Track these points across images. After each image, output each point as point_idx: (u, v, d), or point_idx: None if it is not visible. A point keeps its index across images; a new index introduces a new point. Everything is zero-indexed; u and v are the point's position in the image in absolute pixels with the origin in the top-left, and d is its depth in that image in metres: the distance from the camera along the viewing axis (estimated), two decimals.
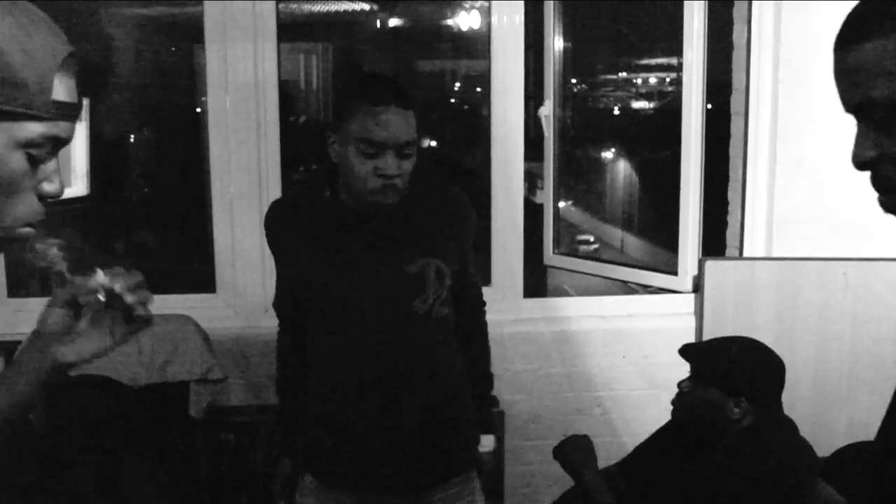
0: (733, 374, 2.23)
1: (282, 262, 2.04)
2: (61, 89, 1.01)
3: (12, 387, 1.09)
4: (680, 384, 2.31)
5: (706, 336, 3.18)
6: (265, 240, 2.07)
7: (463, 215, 2.03)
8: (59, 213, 3.54)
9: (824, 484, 2.16)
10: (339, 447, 1.97)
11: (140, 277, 1.10)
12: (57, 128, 1.02)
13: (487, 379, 2.17)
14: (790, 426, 2.28)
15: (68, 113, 1.03)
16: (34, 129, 0.99)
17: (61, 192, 1.06)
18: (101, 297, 1.06)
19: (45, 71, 0.99)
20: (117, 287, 1.08)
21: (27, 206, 1.03)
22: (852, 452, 2.54)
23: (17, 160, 1.00)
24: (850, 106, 0.97)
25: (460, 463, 2.06)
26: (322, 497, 2.03)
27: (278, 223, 2.01)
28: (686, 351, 2.33)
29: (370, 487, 1.98)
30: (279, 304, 2.12)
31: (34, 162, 1.02)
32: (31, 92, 0.98)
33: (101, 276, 1.07)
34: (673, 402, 2.32)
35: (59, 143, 1.04)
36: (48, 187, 1.04)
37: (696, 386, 2.27)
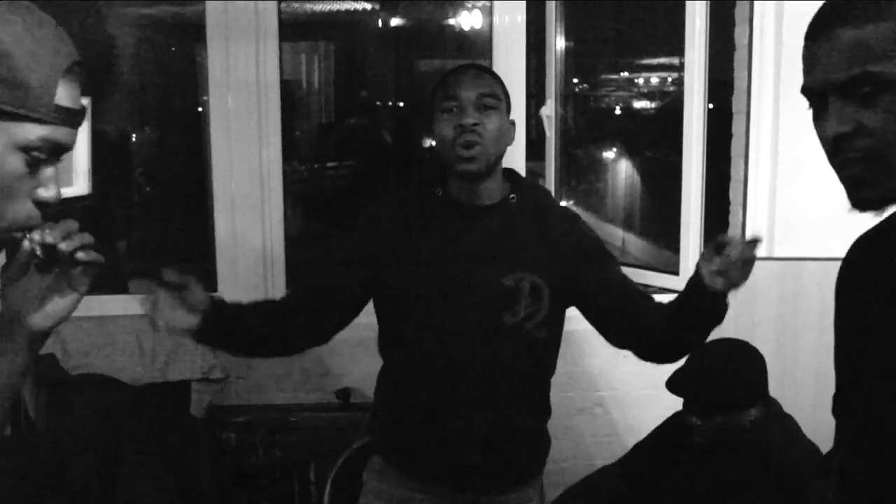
0: (733, 391, 2.21)
1: (369, 260, 1.95)
2: (65, 95, 1.01)
3: None
4: (689, 422, 2.29)
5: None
6: (354, 235, 1.99)
7: (571, 232, 1.97)
8: (60, 211, 3.54)
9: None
10: (412, 437, 1.97)
11: (73, 225, 1.06)
12: (58, 132, 1.01)
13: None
14: (793, 425, 2.28)
15: (70, 119, 1.02)
16: (35, 131, 0.99)
17: (58, 198, 1.05)
18: (39, 253, 1.04)
19: (49, 74, 0.98)
20: (49, 239, 1.05)
21: (23, 211, 1.02)
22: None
23: (15, 162, 0.99)
24: (835, 82, 1.03)
25: (527, 473, 2.04)
26: (386, 478, 2.04)
27: (378, 223, 1.96)
28: (673, 388, 2.31)
29: (432, 478, 1.98)
30: (312, 291, 2.01)
31: (32, 166, 1.01)
32: (34, 94, 0.97)
33: (33, 234, 1.05)
34: (695, 438, 2.29)
35: (59, 149, 1.03)
36: (44, 193, 1.04)
37: (703, 416, 2.26)
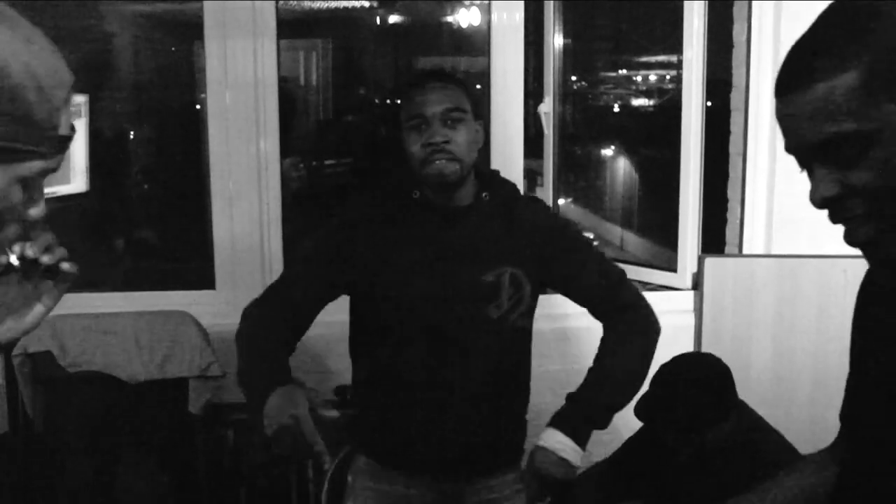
0: (702, 409, 2.19)
1: (337, 269, 1.97)
2: (65, 123, 0.99)
3: None
4: (664, 444, 2.29)
5: (705, 333, 3.18)
6: (323, 242, 2.01)
7: (543, 221, 2.03)
8: (58, 209, 3.54)
9: None
10: (397, 432, 2.00)
11: (52, 238, 1.05)
12: (55, 161, 1.00)
13: (596, 389, 2.02)
14: (765, 428, 2.28)
15: (66, 146, 1.01)
16: (37, 166, 0.97)
17: (43, 213, 1.03)
18: (15, 262, 1.02)
19: (55, 108, 0.96)
20: (29, 252, 1.03)
21: (12, 232, 1.01)
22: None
23: (15, 193, 0.97)
24: (809, 146, 0.95)
25: (508, 457, 2.09)
26: (372, 477, 2.06)
27: (355, 227, 1.98)
28: (642, 415, 2.29)
29: (423, 471, 2.01)
30: (289, 298, 1.99)
31: (27, 191, 0.99)
32: (41, 129, 0.95)
33: (13, 247, 1.03)
34: (672, 458, 2.29)
35: (50, 172, 1.02)
36: (34, 212, 1.02)
37: (677, 437, 2.25)
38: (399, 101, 1.95)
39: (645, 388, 2.28)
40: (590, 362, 3.22)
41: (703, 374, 2.25)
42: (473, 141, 1.92)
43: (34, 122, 0.94)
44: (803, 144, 0.96)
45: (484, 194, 1.97)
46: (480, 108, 2.02)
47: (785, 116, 0.97)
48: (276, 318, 1.95)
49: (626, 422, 3.20)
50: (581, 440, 1.90)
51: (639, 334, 2.05)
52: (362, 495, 2.07)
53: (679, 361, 2.30)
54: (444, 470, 2.00)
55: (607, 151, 4.28)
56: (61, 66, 0.99)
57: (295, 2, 3.95)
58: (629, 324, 2.04)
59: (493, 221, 1.96)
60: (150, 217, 3.99)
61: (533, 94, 4.05)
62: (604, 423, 1.99)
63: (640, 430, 2.51)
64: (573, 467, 1.88)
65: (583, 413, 1.94)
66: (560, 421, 1.91)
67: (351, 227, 1.99)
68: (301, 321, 1.98)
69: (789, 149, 0.99)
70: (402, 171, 1.99)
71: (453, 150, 1.86)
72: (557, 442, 1.87)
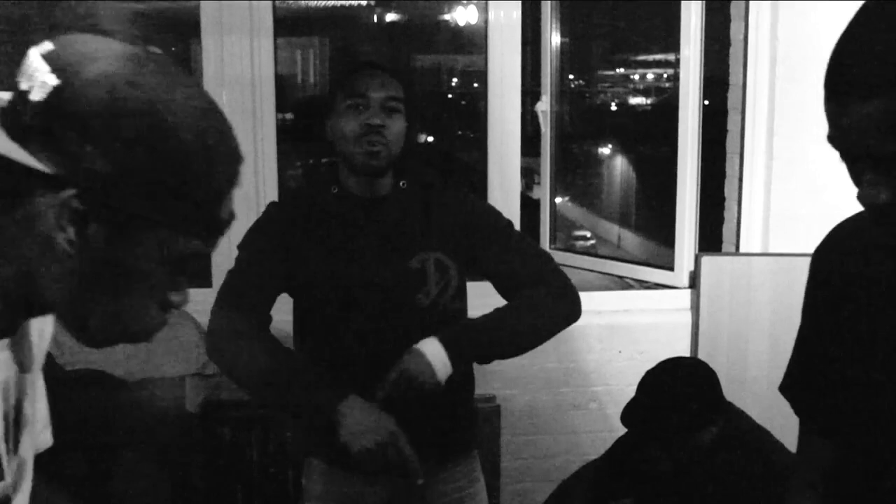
0: (688, 414, 2.19)
1: (279, 261, 1.99)
2: (226, 207, 0.91)
3: None
4: (649, 452, 2.29)
5: (702, 331, 3.18)
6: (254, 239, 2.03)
7: (463, 205, 2.05)
8: None
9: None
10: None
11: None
12: (210, 246, 0.91)
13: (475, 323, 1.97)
14: (756, 430, 2.28)
15: (223, 231, 0.92)
16: (188, 247, 0.89)
17: (186, 301, 0.95)
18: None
19: (220, 186, 0.88)
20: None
21: (156, 317, 0.93)
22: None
23: (159, 272, 0.89)
24: (874, 151, 0.94)
25: (460, 447, 2.11)
26: (329, 479, 2.05)
27: (282, 223, 2.01)
28: (628, 423, 2.29)
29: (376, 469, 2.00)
30: (248, 295, 1.99)
31: (173, 272, 0.91)
32: (200, 207, 0.87)
33: None
34: (658, 467, 2.29)
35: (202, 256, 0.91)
36: (176, 297, 0.94)
37: (663, 444, 2.25)
38: (335, 84, 2.00)
39: (631, 394, 2.29)
40: (584, 359, 3.24)
41: (687, 379, 2.26)
42: (403, 135, 1.96)
43: (194, 197, 0.86)
44: (863, 150, 0.94)
45: (402, 183, 2.01)
46: (414, 112, 2.04)
47: (844, 112, 0.94)
48: (251, 318, 1.94)
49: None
50: (455, 358, 1.83)
51: (552, 297, 2.00)
52: (317, 498, 2.07)
53: (664, 367, 2.30)
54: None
55: (604, 150, 4.29)
56: (236, 143, 0.90)
57: (292, 0, 3.95)
58: (547, 287, 2.00)
59: (412, 208, 2.00)
60: None
61: (530, 92, 4.05)
62: (484, 357, 1.95)
63: (630, 432, 2.51)
64: (436, 380, 1.81)
65: (469, 336, 1.90)
66: (444, 334, 1.86)
67: (277, 224, 2.02)
68: (266, 315, 1.99)
69: (843, 148, 0.98)
70: (324, 166, 2.03)
71: (387, 137, 1.91)
72: (433, 350, 1.82)
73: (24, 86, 0.82)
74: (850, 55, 0.94)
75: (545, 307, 1.98)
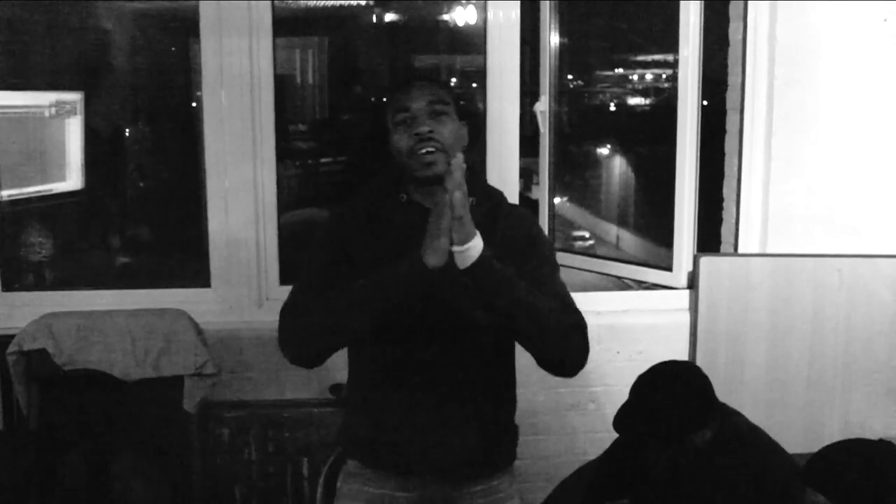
0: (681, 417, 2.19)
1: (345, 269, 1.94)
2: None
3: None
4: (643, 456, 2.28)
5: (701, 332, 3.18)
6: (321, 247, 2.00)
7: (525, 235, 2.02)
8: (53, 207, 3.53)
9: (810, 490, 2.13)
10: (385, 434, 1.99)
11: None
12: None
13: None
14: (751, 431, 2.28)
15: None
16: None
17: None
18: None
19: None
20: None
21: None
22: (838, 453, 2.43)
23: None
24: None
25: (500, 462, 2.08)
26: (364, 479, 2.05)
27: (346, 231, 1.99)
28: (621, 428, 2.29)
29: (409, 473, 2.01)
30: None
31: None
32: None
33: None
34: (651, 472, 2.28)
35: None
36: None
37: (657, 448, 2.24)
38: (385, 105, 1.99)
39: (623, 398, 2.29)
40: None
41: (679, 383, 2.25)
42: (458, 136, 1.95)
43: None
44: None
45: (472, 199, 1.92)
46: (465, 112, 2.04)
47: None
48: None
49: None
50: (484, 259, 1.78)
51: (570, 324, 1.93)
52: (349, 497, 2.07)
53: (655, 372, 2.30)
54: (432, 472, 1.99)
55: (603, 150, 4.28)
56: None
57: (291, 0, 3.95)
58: (568, 316, 1.94)
59: (478, 223, 1.91)
60: (145, 215, 3.98)
61: (529, 92, 4.05)
62: (500, 292, 1.84)
63: (625, 435, 2.52)
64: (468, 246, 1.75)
65: (503, 268, 1.83)
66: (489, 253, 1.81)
67: (343, 223, 2.01)
68: None
69: None
70: (388, 173, 2.01)
71: (440, 140, 1.90)
72: (475, 242, 1.77)
73: None
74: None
75: (563, 320, 1.92)
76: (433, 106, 1.92)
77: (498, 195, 2.08)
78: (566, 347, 1.90)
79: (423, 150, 1.89)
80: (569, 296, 2.01)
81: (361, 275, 1.89)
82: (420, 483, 2.01)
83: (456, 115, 1.97)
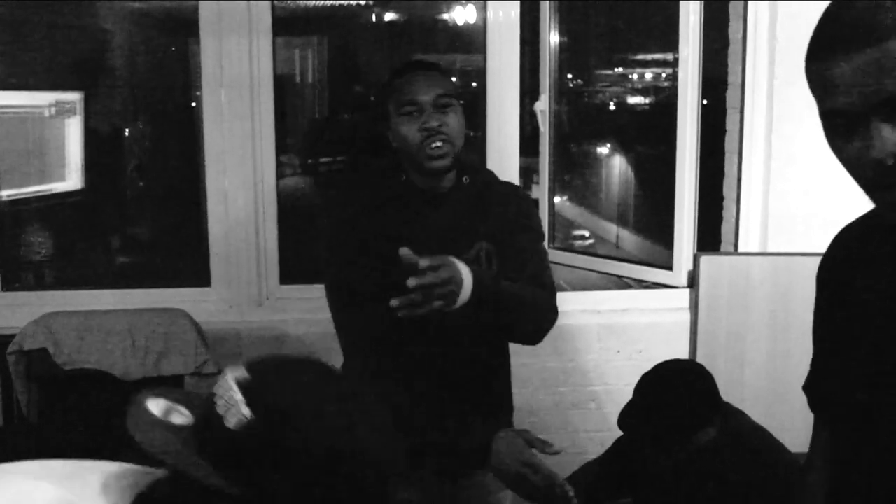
0: (685, 416, 2.19)
1: (367, 262, 1.95)
2: None
3: None
4: (646, 456, 2.28)
5: (701, 331, 3.18)
6: (334, 247, 2.02)
7: (516, 206, 2.09)
8: (54, 207, 3.53)
9: None
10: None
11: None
12: None
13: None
14: (755, 431, 2.28)
15: None
16: None
17: None
18: None
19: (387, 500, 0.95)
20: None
21: None
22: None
23: None
24: (870, 103, 0.96)
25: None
26: None
27: (361, 219, 1.99)
28: (625, 426, 2.29)
29: (412, 471, 1.98)
30: (362, 320, 1.97)
31: None
32: None
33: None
34: (652, 470, 2.28)
35: None
36: None
37: (660, 447, 2.25)
38: (384, 92, 2.00)
39: (630, 394, 2.29)
40: (584, 359, 3.24)
41: (684, 382, 2.25)
42: (462, 126, 1.98)
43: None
44: (863, 102, 0.97)
45: (465, 178, 2.04)
46: (460, 94, 2.08)
47: (840, 74, 0.97)
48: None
49: None
50: (476, 288, 1.79)
51: (546, 300, 2.04)
52: None
53: (660, 371, 2.30)
54: (430, 470, 2.00)
55: (603, 149, 4.28)
56: (403, 461, 1.00)
57: (290, 0, 3.95)
58: (543, 291, 2.05)
59: (473, 203, 2.03)
60: (145, 214, 3.98)
61: (529, 91, 4.05)
62: (494, 304, 1.89)
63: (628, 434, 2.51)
64: (461, 294, 1.76)
65: (491, 278, 1.88)
66: (475, 271, 1.82)
67: (347, 223, 2.01)
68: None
69: (839, 107, 1.00)
70: (387, 159, 2.03)
71: (448, 134, 1.92)
72: (467, 274, 1.78)
73: (220, 409, 0.90)
74: (842, 12, 0.99)
75: (542, 300, 2.04)
76: (441, 99, 1.93)
77: (488, 172, 2.15)
78: (541, 321, 2.03)
79: (434, 145, 1.91)
80: (548, 268, 2.12)
81: (379, 258, 1.89)
82: (419, 480, 2.01)
83: (458, 107, 1.99)
